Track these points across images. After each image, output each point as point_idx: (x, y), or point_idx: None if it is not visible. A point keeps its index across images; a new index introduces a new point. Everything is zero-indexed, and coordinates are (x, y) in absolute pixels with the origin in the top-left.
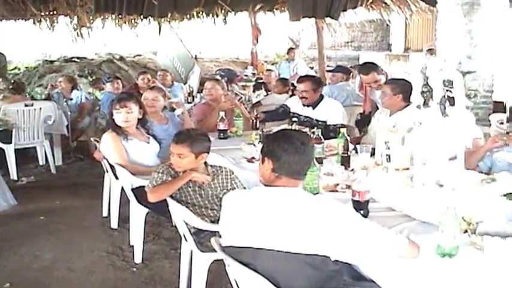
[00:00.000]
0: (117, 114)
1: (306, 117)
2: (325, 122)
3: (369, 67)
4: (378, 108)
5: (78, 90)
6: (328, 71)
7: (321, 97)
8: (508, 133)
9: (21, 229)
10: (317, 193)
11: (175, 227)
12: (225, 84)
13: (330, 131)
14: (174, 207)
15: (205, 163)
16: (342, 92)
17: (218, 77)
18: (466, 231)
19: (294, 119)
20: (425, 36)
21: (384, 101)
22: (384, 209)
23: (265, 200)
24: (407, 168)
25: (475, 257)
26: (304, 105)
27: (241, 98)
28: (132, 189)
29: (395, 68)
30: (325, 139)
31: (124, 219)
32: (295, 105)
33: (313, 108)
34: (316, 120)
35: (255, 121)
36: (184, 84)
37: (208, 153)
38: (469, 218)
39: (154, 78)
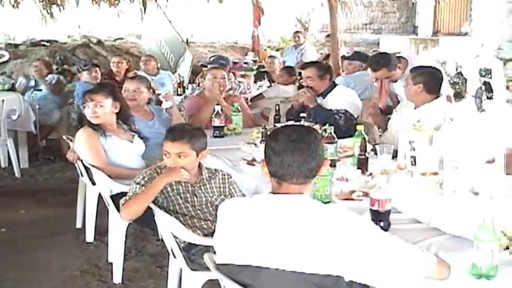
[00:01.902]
0: (86, 108)
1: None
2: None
3: (378, 61)
4: (399, 102)
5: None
6: (343, 57)
7: (333, 85)
8: None
9: None
10: (328, 201)
11: (162, 240)
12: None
13: (330, 116)
14: (160, 217)
15: (200, 165)
16: (359, 83)
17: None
18: (506, 248)
19: (302, 115)
20: (459, 16)
21: (405, 91)
22: (408, 220)
23: (268, 209)
24: (436, 173)
25: None
26: None
27: (241, 87)
28: (112, 196)
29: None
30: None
31: (101, 231)
32: None
33: (324, 98)
34: (327, 109)
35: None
36: (174, 73)
37: (206, 150)
38: (511, 233)
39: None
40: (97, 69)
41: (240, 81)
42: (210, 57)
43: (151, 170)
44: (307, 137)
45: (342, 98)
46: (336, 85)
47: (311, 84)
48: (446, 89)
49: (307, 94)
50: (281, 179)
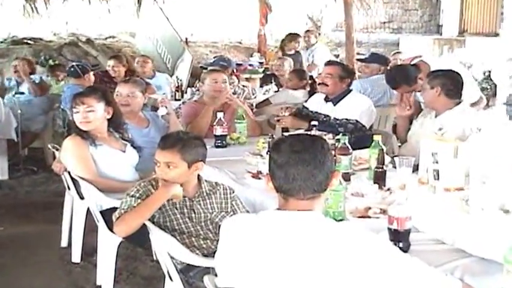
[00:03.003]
0: (75, 113)
1: (325, 116)
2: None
3: (395, 78)
4: (422, 110)
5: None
6: (359, 60)
7: (348, 91)
8: None
9: None
10: (342, 219)
11: (157, 261)
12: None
13: (335, 126)
14: (156, 235)
15: (199, 177)
16: (376, 88)
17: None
18: None
19: (313, 123)
20: (489, 14)
21: (423, 97)
22: (430, 241)
23: (274, 228)
24: (462, 189)
25: None
26: (325, 99)
27: (245, 92)
28: (102, 212)
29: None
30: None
31: (89, 251)
32: (315, 104)
33: (334, 104)
34: (335, 118)
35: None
36: (171, 75)
37: (204, 162)
38: None
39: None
40: (91, 73)
41: (244, 86)
42: (214, 56)
43: (145, 182)
44: (311, 147)
45: (355, 107)
46: (350, 91)
47: (328, 82)
48: (472, 95)
49: (287, 119)
50: (287, 194)
